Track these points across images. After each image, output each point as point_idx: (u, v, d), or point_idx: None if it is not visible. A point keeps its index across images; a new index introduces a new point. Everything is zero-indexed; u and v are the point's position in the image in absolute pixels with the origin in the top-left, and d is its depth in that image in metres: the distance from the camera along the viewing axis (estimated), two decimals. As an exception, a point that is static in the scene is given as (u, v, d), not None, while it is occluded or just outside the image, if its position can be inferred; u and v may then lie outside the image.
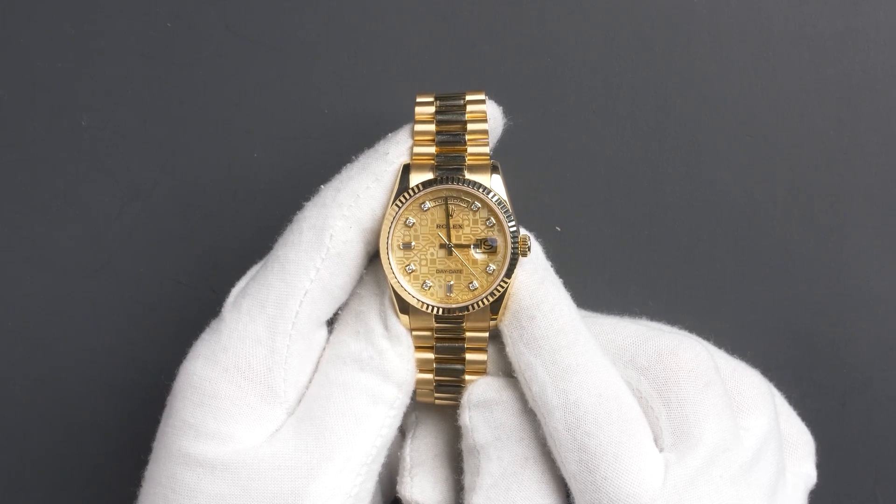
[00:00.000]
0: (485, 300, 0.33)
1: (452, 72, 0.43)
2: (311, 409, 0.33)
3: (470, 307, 0.33)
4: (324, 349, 0.34)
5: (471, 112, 0.34)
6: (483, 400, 0.34)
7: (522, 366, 0.33)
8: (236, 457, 0.32)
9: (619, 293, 0.43)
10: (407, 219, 0.33)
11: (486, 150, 0.33)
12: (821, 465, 0.37)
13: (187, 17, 0.43)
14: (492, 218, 0.33)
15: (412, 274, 0.33)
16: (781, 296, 0.43)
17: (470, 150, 0.33)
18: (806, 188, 0.42)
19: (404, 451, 0.36)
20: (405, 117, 0.34)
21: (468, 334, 0.33)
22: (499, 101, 0.36)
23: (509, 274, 0.32)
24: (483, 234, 0.33)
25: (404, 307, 0.33)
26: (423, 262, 0.33)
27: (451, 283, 0.33)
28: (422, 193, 0.32)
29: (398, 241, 0.33)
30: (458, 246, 0.33)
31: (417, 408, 0.36)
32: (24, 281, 0.44)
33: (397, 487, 0.35)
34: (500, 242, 0.33)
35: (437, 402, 0.35)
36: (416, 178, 0.33)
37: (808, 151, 0.42)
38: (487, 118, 0.34)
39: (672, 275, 0.43)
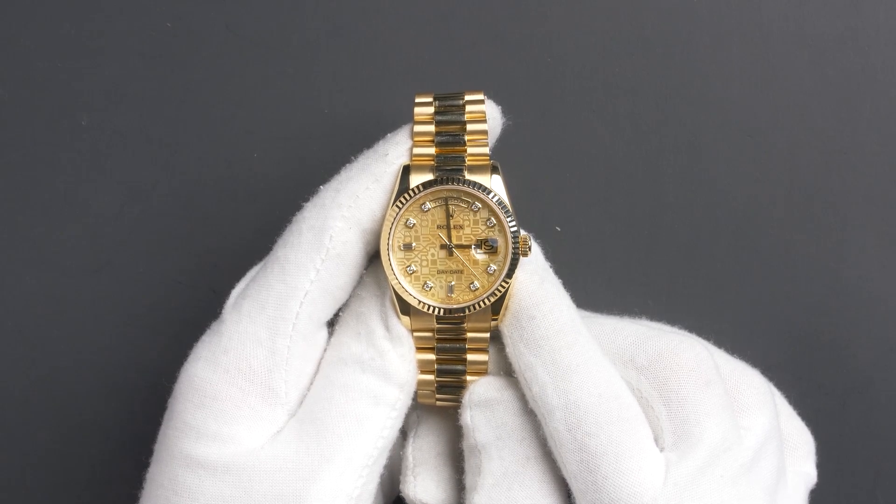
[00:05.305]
0: (486, 300, 0.32)
1: (452, 72, 0.43)
2: (313, 410, 0.32)
3: (471, 307, 0.33)
4: (324, 351, 0.34)
5: (470, 112, 0.34)
6: (484, 399, 0.34)
7: (522, 366, 0.33)
8: (237, 458, 0.32)
9: (619, 293, 0.43)
10: (407, 219, 0.33)
11: (486, 150, 0.33)
12: (821, 465, 0.37)
13: (187, 17, 0.43)
14: (492, 218, 0.33)
15: (413, 275, 0.33)
16: (781, 296, 0.43)
17: (469, 150, 0.33)
18: (806, 188, 0.42)
19: (407, 450, 0.36)
20: (405, 117, 0.34)
21: (469, 335, 0.33)
22: (499, 101, 0.35)
23: (510, 274, 0.32)
24: (484, 234, 0.33)
25: (405, 308, 0.33)
26: (424, 263, 0.33)
27: (452, 283, 0.33)
28: (422, 194, 0.32)
29: (399, 241, 0.33)
30: (459, 246, 0.33)
31: (419, 407, 0.36)
32: (24, 281, 0.44)
33: (401, 487, 0.35)
34: (500, 243, 0.33)
35: (439, 404, 0.35)
36: (415, 179, 0.33)
37: (808, 151, 0.42)
38: (487, 118, 0.34)
39: (672, 275, 0.43)
